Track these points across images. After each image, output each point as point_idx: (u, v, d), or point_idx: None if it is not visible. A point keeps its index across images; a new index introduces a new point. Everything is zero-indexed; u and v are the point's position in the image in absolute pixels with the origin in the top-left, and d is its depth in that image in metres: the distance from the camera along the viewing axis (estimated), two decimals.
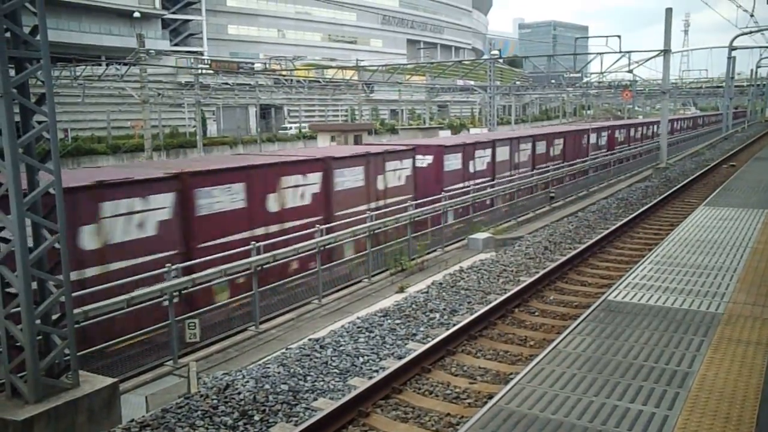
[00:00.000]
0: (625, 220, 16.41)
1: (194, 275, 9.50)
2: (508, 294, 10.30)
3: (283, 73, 56.00)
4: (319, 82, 59.88)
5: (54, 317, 6.79)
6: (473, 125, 77.17)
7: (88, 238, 9.25)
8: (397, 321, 9.71)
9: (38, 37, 6.41)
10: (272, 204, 12.46)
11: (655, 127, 47.52)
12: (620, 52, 31.19)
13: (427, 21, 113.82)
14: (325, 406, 6.81)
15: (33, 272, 6.43)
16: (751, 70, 71.00)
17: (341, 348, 8.65)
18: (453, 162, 19.29)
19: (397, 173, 16.44)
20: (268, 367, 8.03)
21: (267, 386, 7.43)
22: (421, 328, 9.41)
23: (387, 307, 10.41)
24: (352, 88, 61.12)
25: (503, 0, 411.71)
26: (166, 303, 9.01)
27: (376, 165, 15.61)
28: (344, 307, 11.58)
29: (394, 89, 69.06)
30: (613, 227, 15.46)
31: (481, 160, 20.86)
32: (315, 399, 7.21)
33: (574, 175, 26.30)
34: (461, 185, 19.01)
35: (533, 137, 25.25)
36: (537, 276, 11.30)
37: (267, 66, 61.13)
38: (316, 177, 13.61)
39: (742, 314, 6.63)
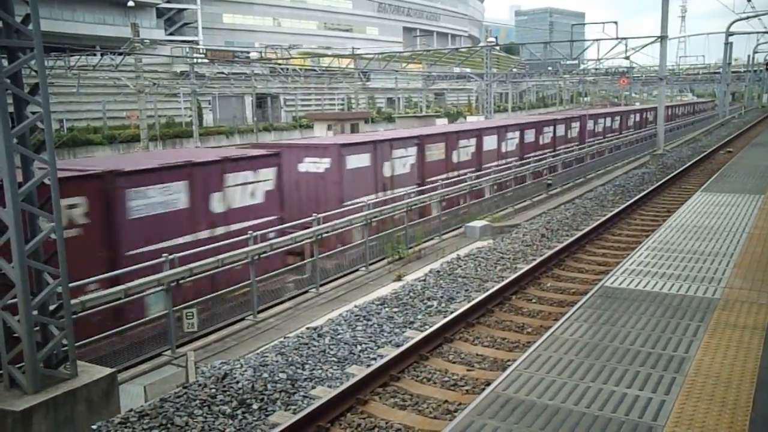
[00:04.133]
0: (622, 206, 16.43)
1: (191, 264, 9.47)
2: (506, 281, 10.32)
3: (279, 62, 55.71)
4: (315, 70, 59.56)
5: (51, 308, 6.79)
6: (470, 113, 76.97)
7: None
8: (395, 309, 9.73)
9: (30, 26, 6.36)
10: None
11: (638, 116, 45.14)
12: (617, 38, 31.04)
13: (423, 8, 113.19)
14: (324, 394, 6.83)
15: (29, 263, 6.42)
16: (748, 56, 70.87)
17: (339, 336, 8.66)
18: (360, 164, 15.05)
19: (249, 188, 11.94)
20: (267, 356, 8.05)
21: (265, 375, 7.44)
22: (419, 316, 9.43)
23: (385, 296, 10.42)
24: (349, 76, 60.87)
25: None
26: None
27: (207, 179, 11.09)
28: (342, 296, 11.59)
29: (391, 77, 68.79)
30: (610, 214, 15.48)
31: (402, 162, 16.49)
32: (313, 387, 7.23)
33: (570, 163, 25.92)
34: (373, 196, 14.89)
35: (479, 131, 20.90)
36: (534, 263, 11.32)
37: (262, 55, 60.79)
38: (83, 203, 9.15)
39: (739, 299, 6.65)
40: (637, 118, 45.72)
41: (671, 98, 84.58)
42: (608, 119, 37.29)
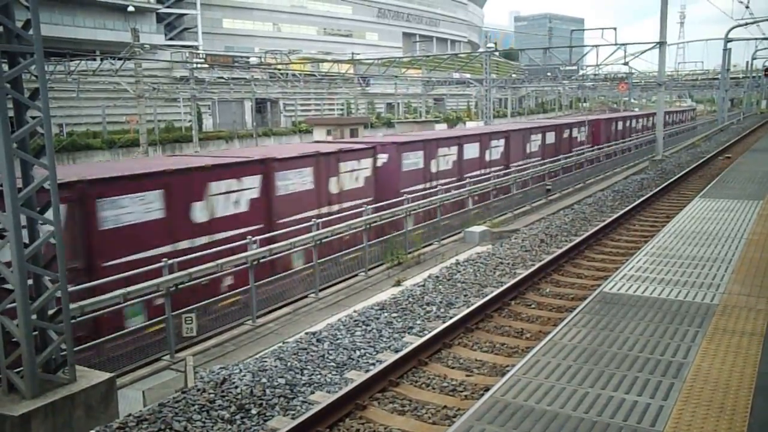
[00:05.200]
0: (621, 212, 16.43)
1: (191, 269, 9.47)
2: (505, 286, 10.32)
3: (279, 67, 55.83)
4: (314, 75, 59.68)
5: (50, 312, 6.78)
6: (469, 118, 77.03)
7: None
8: (394, 314, 9.72)
9: (31, 32, 6.38)
10: None
11: (567, 132, 29.16)
12: (616, 44, 31.14)
13: (422, 14, 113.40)
14: (322, 399, 6.83)
15: (29, 267, 6.42)
16: (747, 62, 70.99)
17: (338, 341, 8.66)
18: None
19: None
20: (265, 361, 8.04)
21: (264, 380, 7.44)
22: (418, 321, 9.42)
23: (384, 301, 10.42)
24: (348, 81, 60.95)
25: None
26: None
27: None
28: (341, 301, 11.59)
29: (390, 83, 68.87)
30: (609, 219, 15.48)
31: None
32: (312, 392, 7.22)
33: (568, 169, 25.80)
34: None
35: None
36: (533, 268, 11.31)
37: (262, 60, 60.91)
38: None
39: (737, 305, 6.65)
40: (566, 135, 29.03)
41: (670, 104, 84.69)
42: (502, 141, 22.94)
